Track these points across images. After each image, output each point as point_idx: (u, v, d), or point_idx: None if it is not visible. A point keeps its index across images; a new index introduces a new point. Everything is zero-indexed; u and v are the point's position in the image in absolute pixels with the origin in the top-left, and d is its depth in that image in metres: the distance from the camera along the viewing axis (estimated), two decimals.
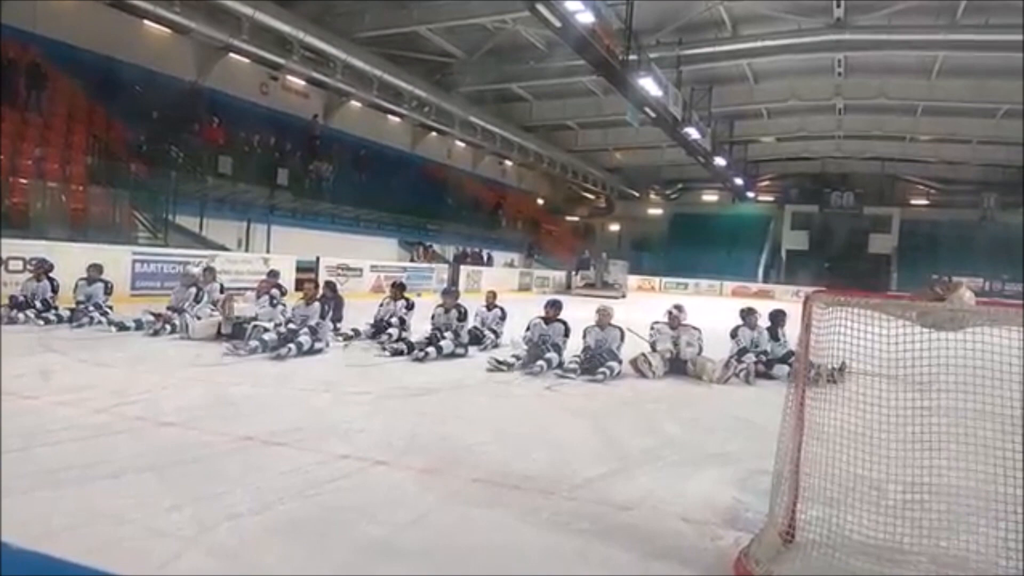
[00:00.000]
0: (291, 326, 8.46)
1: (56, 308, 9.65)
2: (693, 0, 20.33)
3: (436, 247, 27.04)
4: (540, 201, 43.20)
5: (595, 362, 7.77)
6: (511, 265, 31.55)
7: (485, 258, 29.21)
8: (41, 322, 9.23)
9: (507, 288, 24.87)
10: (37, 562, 2.72)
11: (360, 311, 10.81)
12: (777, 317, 8.92)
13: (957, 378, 2.96)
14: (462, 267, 25.19)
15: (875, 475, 3.01)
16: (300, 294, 9.40)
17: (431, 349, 8.41)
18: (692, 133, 25.56)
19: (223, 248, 16.48)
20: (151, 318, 9.27)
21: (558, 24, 15.58)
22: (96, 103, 16.98)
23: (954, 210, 37.50)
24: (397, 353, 8.49)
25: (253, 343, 7.96)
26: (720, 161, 31.31)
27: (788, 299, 24.57)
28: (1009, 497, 2.72)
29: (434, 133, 30.23)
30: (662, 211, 45.81)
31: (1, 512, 2.99)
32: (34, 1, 16.39)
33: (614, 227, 46.71)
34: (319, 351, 8.40)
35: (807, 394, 3.12)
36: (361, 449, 4.44)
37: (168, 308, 9.69)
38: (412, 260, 24.33)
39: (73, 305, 9.77)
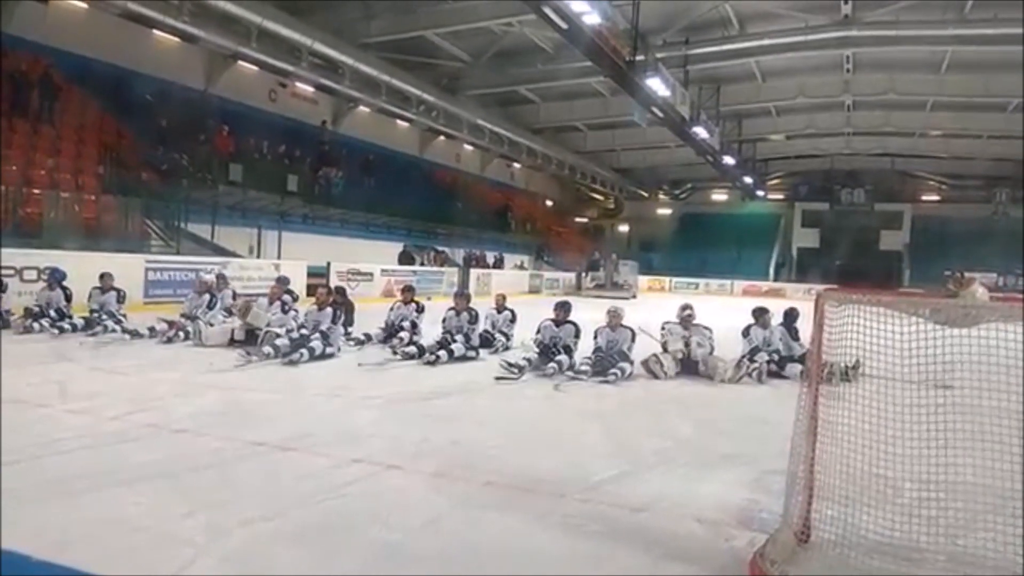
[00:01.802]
0: (303, 331, 8.50)
1: (70, 317, 9.74)
2: None
3: (446, 251, 27.10)
4: (549, 203, 43.19)
5: (606, 363, 7.76)
6: (521, 267, 31.56)
7: (493, 260, 29.16)
8: (55, 331, 9.30)
9: (517, 290, 24.88)
10: (40, 573, 2.74)
11: (371, 315, 10.84)
12: (794, 316, 8.86)
13: (971, 375, 2.93)
14: (472, 270, 25.20)
15: (890, 473, 2.99)
16: (312, 300, 9.43)
17: (442, 352, 8.42)
18: (700, 132, 25.48)
19: (235, 255, 16.58)
20: (164, 326, 9.33)
21: (564, 26, 15.57)
22: (107, 113, 17.13)
23: (966, 205, 37.15)
24: (408, 357, 8.49)
25: (266, 349, 8.00)
26: (729, 160, 31.18)
27: (800, 297, 24.42)
28: None
29: (442, 137, 30.27)
30: (671, 211, 45.67)
31: (1, 521, 3.02)
32: (45, 8, 16.55)
33: (623, 228, 46.62)
34: (331, 356, 8.43)
35: (820, 393, 3.09)
36: (373, 453, 4.45)
37: (181, 315, 9.76)
38: (420, 264, 24.30)
39: (87, 314, 9.86)
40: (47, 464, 3.95)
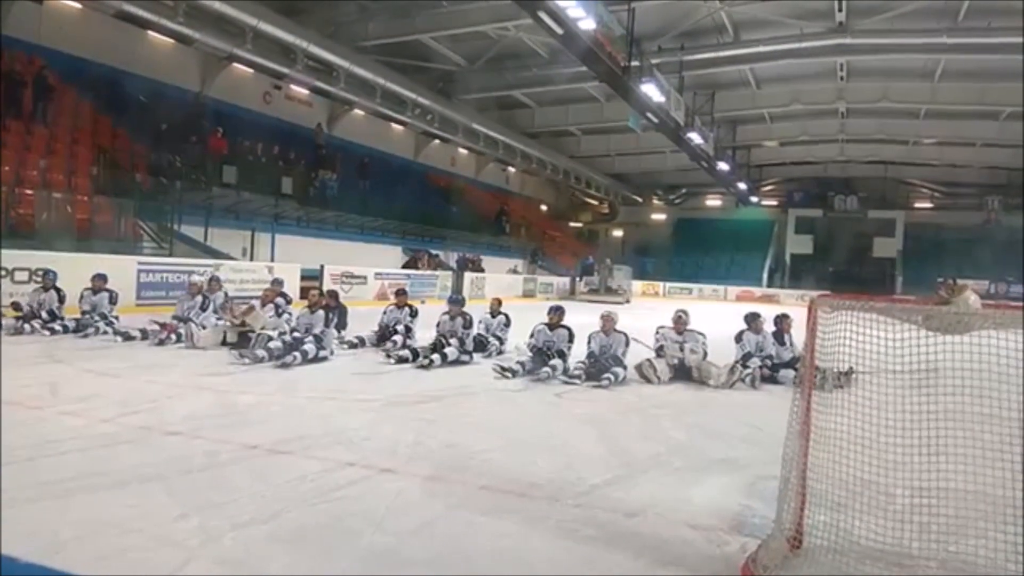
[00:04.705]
0: (296, 334, 8.47)
1: (62, 318, 9.69)
2: (695, 1, 20.32)
3: (440, 254, 27.08)
4: (543, 207, 43.25)
5: (600, 368, 7.77)
6: (515, 271, 31.56)
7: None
8: (47, 332, 9.26)
9: (511, 294, 24.88)
10: (32, 575, 2.72)
11: (365, 319, 10.82)
12: (782, 321, 8.90)
13: (963, 381, 2.95)
14: (466, 274, 25.19)
15: (882, 480, 3.00)
16: (305, 302, 9.42)
17: (436, 356, 8.40)
18: (695, 138, 25.54)
19: (228, 257, 16.53)
20: (156, 327, 9.29)
21: (560, 31, 15.60)
22: (101, 114, 17.08)
23: (958, 213, 37.41)
24: (402, 360, 8.48)
25: (259, 352, 7.97)
26: (723, 166, 31.24)
27: (793, 303, 24.52)
28: (1017, 501, 2.70)
29: (437, 141, 30.29)
30: (666, 216, 45.78)
31: (1, 525, 3.00)
32: (40, 9, 16.50)
33: (618, 233, 46.70)
34: (324, 359, 8.41)
35: (813, 399, 3.11)
36: (367, 457, 4.44)
37: (173, 317, 9.72)
38: (413, 267, 24.28)
39: (79, 315, 9.81)
40: (39, 466, 3.93)
